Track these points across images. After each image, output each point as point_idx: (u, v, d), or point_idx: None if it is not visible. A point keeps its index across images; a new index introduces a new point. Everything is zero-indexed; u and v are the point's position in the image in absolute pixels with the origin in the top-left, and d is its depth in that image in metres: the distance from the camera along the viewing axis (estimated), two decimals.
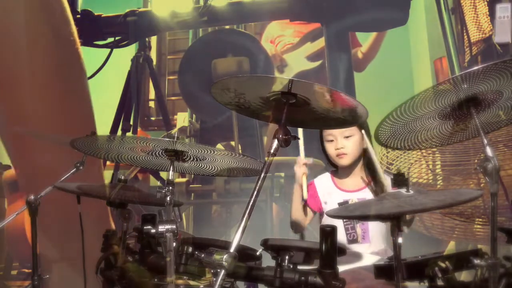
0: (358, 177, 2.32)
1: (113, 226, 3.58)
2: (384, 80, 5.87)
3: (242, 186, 4.55)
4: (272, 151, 1.55)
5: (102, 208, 3.49)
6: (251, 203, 1.47)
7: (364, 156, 2.30)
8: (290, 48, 6.16)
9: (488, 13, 3.78)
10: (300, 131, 2.18)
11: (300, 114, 1.65)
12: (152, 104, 6.51)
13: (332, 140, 2.29)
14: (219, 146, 5.37)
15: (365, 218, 1.97)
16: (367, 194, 2.25)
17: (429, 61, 5.37)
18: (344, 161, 2.29)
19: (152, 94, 6.30)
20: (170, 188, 1.74)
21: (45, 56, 3.19)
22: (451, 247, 3.37)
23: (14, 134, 3.20)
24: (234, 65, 4.68)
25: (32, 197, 2.15)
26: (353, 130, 2.25)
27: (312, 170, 4.76)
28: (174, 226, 1.60)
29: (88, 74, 4.80)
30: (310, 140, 2.34)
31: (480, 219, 2.83)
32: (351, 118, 1.67)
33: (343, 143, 2.26)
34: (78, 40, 3.38)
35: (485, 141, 1.46)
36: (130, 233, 2.03)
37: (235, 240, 1.42)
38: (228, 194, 4.66)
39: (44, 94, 3.22)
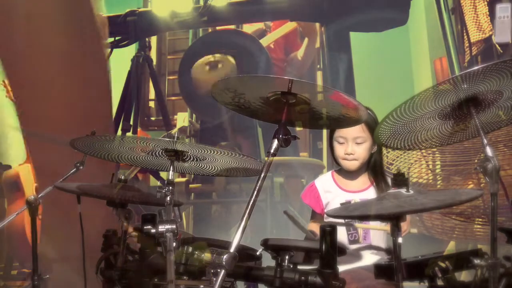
0: (361, 178, 2.30)
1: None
2: (384, 80, 5.86)
3: (242, 186, 4.55)
4: (272, 151, 1.55)
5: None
6: (251, 203, 1.47)
7: (370, 159, 2.28)
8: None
9: (488, 13, 3.78)
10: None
11: (300, 114, 1.65)
12: (152, 104, 6.50)
13: (342, 143, 2.24)
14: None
15: (365, 218, 1.97)
16: (370, 195, 2.23)
17: (429, 61, 5.36)
18: (352, 166, 2.25)
19: (152, 94, 6.29)
20: (170, 188, 1.74)
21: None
22: (451, 247, 3.37)
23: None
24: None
25: (32, 197, 2.15)
26: (365, 136, 2.20)
27: (313, 171, 4.76)
28: (174, 226, 1.60)
29: None
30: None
31: (480, 219, 2.84)
32: (352, 118, 1.67)
33: (354, 148, 2.21)
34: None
35: (485, 141, 1.46)
36: (130, 233, 2.03)
37: (235, 240, 1.42)
38: (228, 194, 4.67)
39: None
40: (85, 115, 3.36)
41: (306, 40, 5.74)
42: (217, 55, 4.87)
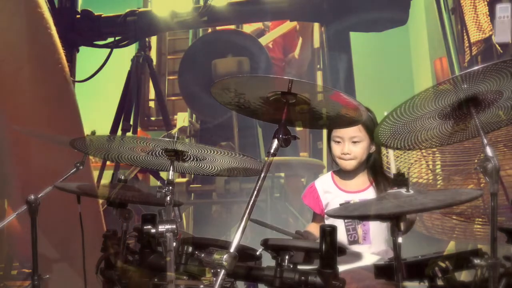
0: (360, 178, 2.29)
1: (104, 227, 3.62)
2: (384, 80, 5.87)
3: (242, 186, 4.56)
4: (272, 151, 1.56)
5: (95, 208, 3.52)
6: (251, 203, 1.47)
7: (369, 159, 2.27)
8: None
9: (488, 13, 3.78)
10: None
11: (300, 114, 1.65)
12: (152, 104, 6.52)
13: (339, 142, 2.23)
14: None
15: (365, 218, 1.97)
16: (369, 195, 2.22)
17: (429, 61, 5.37)
18: (349, 166, 2.24)
19: (152, 94, 6.31)
20: (170, 188, 1.74)
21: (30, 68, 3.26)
22: (451, 247, 3.37)
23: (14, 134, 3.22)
24: (234, 65, 4.69)
25: (32, 197, 2.15)
26: (362, 136, 2.19)
27: (313, 171, 4.76)
28: (174, 226, 1.60)
29: (88, 74, 4.83)
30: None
31: (480, 219, 2.83)
32: (352, 118, 1.67)
33: (351, 148, 2.21)
34: (61, 49, 3.42)
35: (485, 141, 1.46)
36: (130, 233, 2.03)
37: (235, 240, 1.42)
38: (228, 194, 4.67)
39: (29, 100, 3.28)
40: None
41: (300, 39, 5.76)
42: None
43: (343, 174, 2.32)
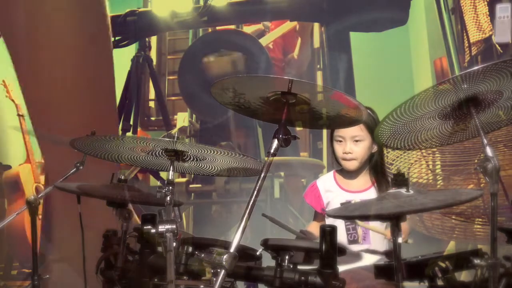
0: (362, 178, 2.29)
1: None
2: (384, 80, 5.86)
3: (242, 186, 4.56)
4: (272, 151, 1.56)
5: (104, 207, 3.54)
6: (251, 203, 1.47)
7: (371, 159, 2.27)
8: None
9: (488, 13, 3.78)
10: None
11: (300, 114, 1.65)
12: (152, 104, 6.50)
13: (341, 141, 2.24)
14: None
15: (365, 218, 1.97)
16: (371, 195, 2.22)
17: (429, 61, 5.36)
18: (351, 166, 2.24)
19: (152, 94, 6.30)
20: (170, 188, 1.74)
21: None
22: (451, 247, 3.37)
23: None
24: (228, 64, 4.69)
25: (32, 197, 2.15)
26: (364, 135, 2.20)
27: (313, 171, 4.75)
28: (174, 226, 1.60)
29: None
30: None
31: (480, 219, 2.83)
32: (352, 118, 1.67)
33: (352, 147, 2.21)
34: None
35: (485, 141, 1.46)
36: (130, 233, 2.03)
37: (235, 240, 1.42)
38: (228, 194, 4.67)
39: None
40: (91, 116, 3.39)
41: (299, 39, 5.75)
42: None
43: (345, 173, 2.32)
